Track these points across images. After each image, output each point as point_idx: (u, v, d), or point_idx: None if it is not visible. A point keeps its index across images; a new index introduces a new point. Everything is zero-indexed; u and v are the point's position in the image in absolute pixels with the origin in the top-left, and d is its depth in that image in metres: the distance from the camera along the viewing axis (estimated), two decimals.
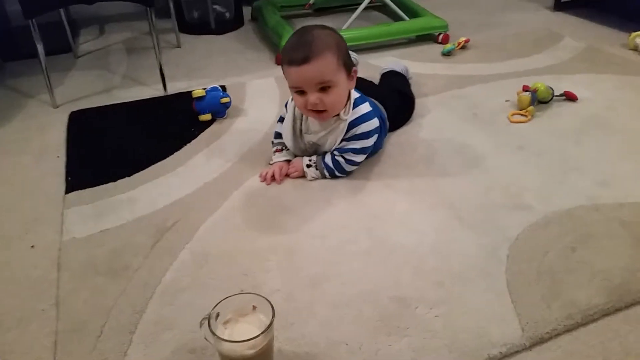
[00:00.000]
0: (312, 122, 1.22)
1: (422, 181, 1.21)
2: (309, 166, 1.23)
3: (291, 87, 1.14)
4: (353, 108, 1.18)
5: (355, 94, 1.20)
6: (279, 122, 1.30)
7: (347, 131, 1.18)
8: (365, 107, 1.19)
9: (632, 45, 1.91)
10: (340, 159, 1.20)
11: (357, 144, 1.19)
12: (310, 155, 1.26)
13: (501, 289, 0.92)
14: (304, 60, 1.07)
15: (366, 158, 1.25)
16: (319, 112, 1.14)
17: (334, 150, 1.21)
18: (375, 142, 1.23)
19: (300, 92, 1.12)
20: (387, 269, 0.97)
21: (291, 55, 1.09)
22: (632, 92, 1.61)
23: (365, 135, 1.18)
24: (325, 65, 1.08)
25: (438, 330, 0.84)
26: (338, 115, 1.17)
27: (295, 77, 1.10)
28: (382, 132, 1.30)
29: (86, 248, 1.05)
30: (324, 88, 1.10)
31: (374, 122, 1.19)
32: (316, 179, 1.23)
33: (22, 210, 1.18)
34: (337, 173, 1.21)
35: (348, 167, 1.21)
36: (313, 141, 1.24)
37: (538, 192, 1.17)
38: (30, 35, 1.57)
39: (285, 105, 1.27)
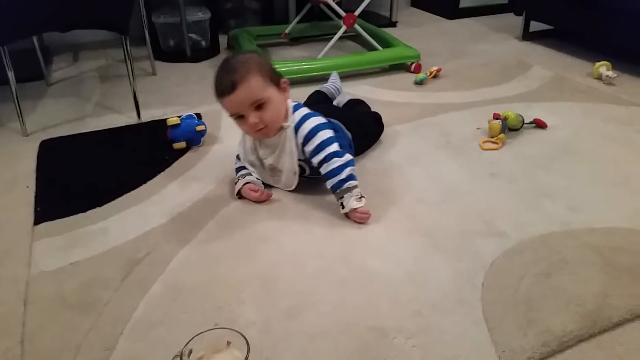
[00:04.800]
0: (264, 146, 1.26)
1: (397, 209, 1.22)
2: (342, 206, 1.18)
3: (231, 116, 1.19)
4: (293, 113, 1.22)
5: (291, 103, 1.24)
6: (237, 159, 1.33)
7: (303, 145, 1.20)
8: (303, 110, 1.22)
9: (597, 74, 1.98)
10: (326, 167, 1.18)
11: (318, 141, 1.18)
12: (279, 182, 1.29)
13: (477, 317, 0.92)
14: (232, 87, 1.12)
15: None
16: (261, 130, 1.18)
17: (316, 170, 1.22)
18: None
19: (240, 117, 1.17)
20: (364, 298, 0.97)
21: (220, 87, 1.15)
22: (598, 119, 1.66)
23: (314, 131, 1.19)
24: (252, 86, 1.13)
25: None
26: (282, 127, 1.21)
27: (230, 105, 1.16)
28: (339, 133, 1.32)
29: (55, 282, 1.01)
30: (259, 106, 1.15)
31: (317, 119, 1.21)
32: (347, 198, 1.17)
33: None
34: (344, 176, 1.17)
35: (339, 162, 1.17)
36: (271, 164, 1.26)
37: (511, 218, 1.18)
38: (1, 62, 1.55)
39: (240, 144, 1.32)
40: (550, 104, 1.77)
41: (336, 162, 1.18)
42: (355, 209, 1.16)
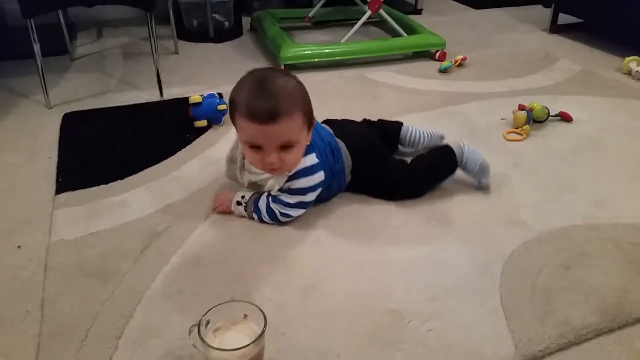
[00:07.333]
0: (253, 171, 1.11)
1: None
2: (238, 203, 1.11)
3: (244, 142, 1.01)
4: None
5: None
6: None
7: (286, 181, 1.07)
8: (310, 159, 1.06)
9: (626, 69, 1.93)
10: (275, 208, 1.07)
11: (292, 199, 1.07)
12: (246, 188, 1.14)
13: (495, 305, 0.91)
14: (270, 118, 0.93)
15: (322, 201, 1.15)
16: (274, 170, 1.03)
17: (269, 196, 1.08)
18: (328, 190, 1.13)
19: (255, 147, 1.00)
20: (381, 281, 0.96)
21: (253, 108, 0.94)
22: (626, 115, 1.62)
23: (302, 192, 1.06)
24: (292, 126, 0.96)
25: (431, 345, 0.83)
26: None
27: (254, 135, 0.97)
28: (333, 184, 1.15)
29: (75, 250, 1.03)
30: (285, 147, 0.99)
31: (315, 178, 1.06)
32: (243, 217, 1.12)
33: (11, 210, 1.16)
34: (268, 221, 1.09)
35: (282, 218, 1.09)
36: (253, 181, 1.12)
37: (533, 209, 1.17)
38: (27, 36, 1.56)
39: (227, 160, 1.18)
40: (576, 97, 1.73)
41: (288, 213, 1.08)
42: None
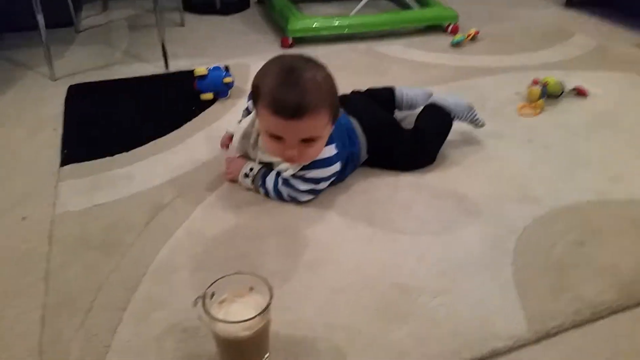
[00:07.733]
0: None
1: (428, 169, 1.18)
2: (246, 175, 1.08)
3: (265, 131, 0.97)
4: None
5: None
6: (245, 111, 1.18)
7: (300, 168, 1.03)
8: (329, 151, 1.03)
9: None
10: (283, 190, 1.05)
11: (304, 186, 1.04)
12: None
13: (507, 281, 0.89)
14: (295, 113, 0.89)
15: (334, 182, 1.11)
16: (292, 160, 1.00)
17: (279, 177, 1.06)
18: (342, 173, 1.11)
19: (276, 137, 0.96)
20: (389, 256, 0.94)
21: (278, 101, 0.90)
22: None
23: (315, 181, 1.04)
24: (317, 123, 0.93)
25: (440, 320, 0.81)
26: None
27: (277, 128, 0.93)
28: (348, 167, 1.13)
29: (79, 222, 1.01)
30: (307, 140, 0.95)
31: (331, 169, 1.04)
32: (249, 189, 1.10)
33: (15, 182, 1.15)
34: (274, 198, 1.08)
35: (289, 199, 1.07)
36: (266, 161, 1.09)
37: (546, 185, 1.14)
38: (31, 7, 1.53)
39: (248, 102, 1.12)
40: (592, 73, 1.68)
41: (296, 197, 1.05)
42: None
